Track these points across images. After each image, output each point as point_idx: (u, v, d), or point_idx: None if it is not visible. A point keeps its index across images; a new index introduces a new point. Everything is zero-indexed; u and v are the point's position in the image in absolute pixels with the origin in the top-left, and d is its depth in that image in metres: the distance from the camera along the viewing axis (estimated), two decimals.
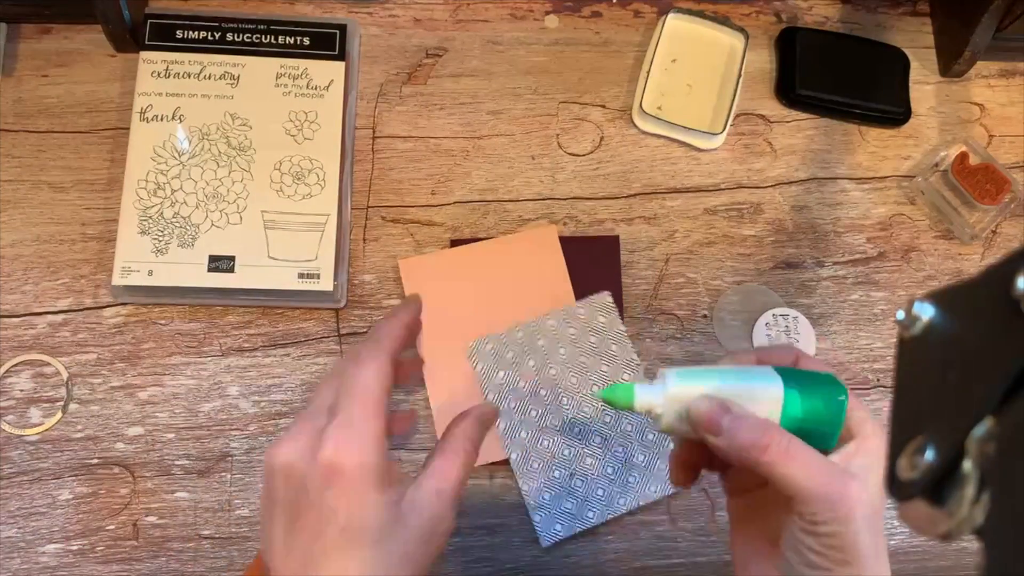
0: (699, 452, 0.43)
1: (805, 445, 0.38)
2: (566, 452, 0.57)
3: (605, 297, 0.60)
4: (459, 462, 0.41)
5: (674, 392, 0.39)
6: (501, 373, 0.58)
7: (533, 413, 0.57)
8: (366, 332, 0.59)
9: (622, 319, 0.60)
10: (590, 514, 0.56)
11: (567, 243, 0.61)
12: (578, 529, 0.55)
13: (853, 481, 0.37)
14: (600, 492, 0.56)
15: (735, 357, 0.44)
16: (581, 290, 0.60)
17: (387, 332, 0.42)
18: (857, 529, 0.37)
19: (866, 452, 0.39)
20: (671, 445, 0.55)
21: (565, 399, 0.57)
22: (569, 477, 0.56)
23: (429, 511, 0.38)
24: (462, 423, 0.43)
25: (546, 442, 0.57)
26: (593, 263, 0.61)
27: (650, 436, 0.57)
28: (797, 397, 0.39)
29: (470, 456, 0.41)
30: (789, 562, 0.39)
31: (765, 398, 0.39)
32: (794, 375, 0.40)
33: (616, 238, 0.62)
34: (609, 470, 0.57)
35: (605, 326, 0.59)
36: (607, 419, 0.57)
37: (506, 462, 0.57)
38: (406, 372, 0.46)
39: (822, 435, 0.39)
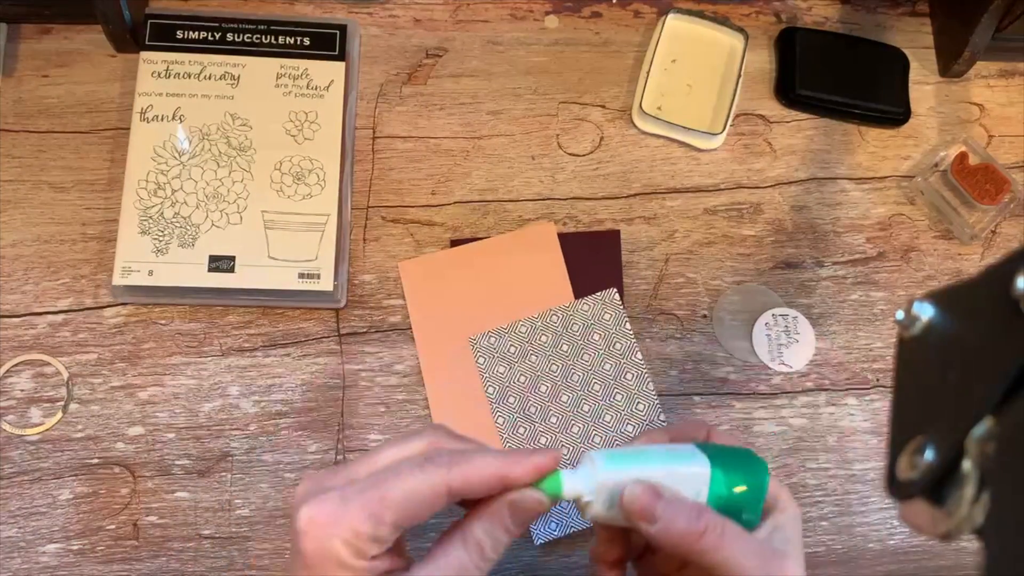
0: (622, 543, 0.41)
1: (737, 527, 0.38)
2: (564, 451, 0.57)
3: (612, 294, 0.60)
4: (463, 558, 0.36)
5: (603, 478, 0.37)
6: (502, 368, 0.58)
7: (532, 409, 0.58)
8: (366, 332, 0.59)
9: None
10: None
11: (568, 239, 0.61)
12: (573, 529, 0.55)
13: (787, 560, 0.37)
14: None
15: (650, 436, 0.43)
16: (582, 286, 0.60)
17: (481, 465, 0.36)
18: None
19: (785, 525, 0.39)
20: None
21: (565, 396, 0.58)
22: None
23: None
24: (484, 511, 0.37)
25: (544, 439, 0.57)
26: (594, 259, 0.61)
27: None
28: (722, 475, 0.38)
29: (482, 552, 0.36)
30: None
31: (692, 478, 0.38)
32: (716, 452, 0.40)
33: (617, 233, 0.62)
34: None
35: (610, 323, 0.59)
36: (607, 419, 0.58)
37: None
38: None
39: (748, 511, 0.39)
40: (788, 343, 0.61)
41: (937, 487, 0.26)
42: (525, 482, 0.36)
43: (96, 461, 0.56)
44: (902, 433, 0.28)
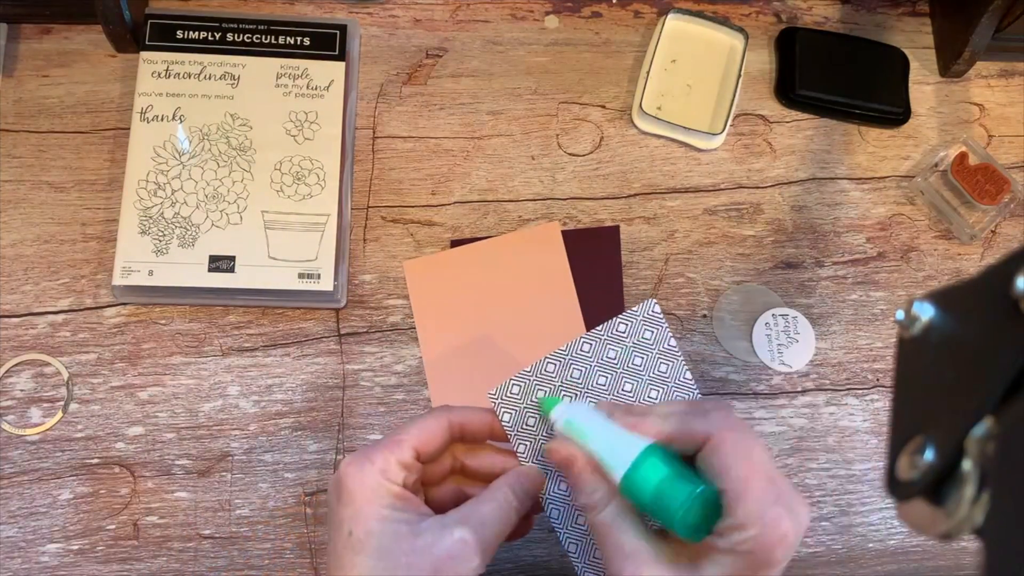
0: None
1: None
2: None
3: (651, 306, 0.50)
4: (496, 511, 0.42)
5: (560, 430, 0.44)
6: (532, 419, 0.49)
7: None
8: (366, 332, 0.59)
9: (672, 332, 0.50)
10: None
11: (568, 236, 0.61)
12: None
13: None
14: None
15: (651, 411, 0.43)
16: (583, 282, 0.60)
17: (472, 414, 0.46)
18: None
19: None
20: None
21: None
22: None
23: (443, 547, 0.39)
24: (511, 476, 0.45)
25: None
26: (593, 255, 0.61)
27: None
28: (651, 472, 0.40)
29: (510, 508, 0.43)
30: None
31: (617, 467, 0.41)
32: (673, 461, 0.41)
33: (616, 228, 0.62)
34: None
35: (651, 342, 0.50)
36: None
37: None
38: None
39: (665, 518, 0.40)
40: (788, 343, 0.61)
41: (937, 487, 0.26)
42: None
43: (96, 461, 0.56)
44: (902, 433, 0.28)
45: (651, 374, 0.50)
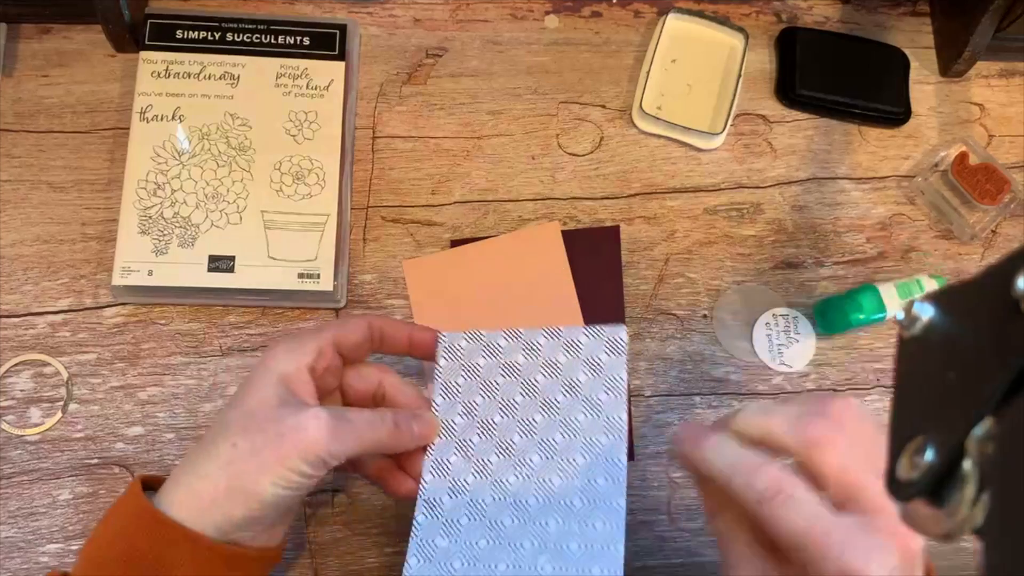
0: None
1: None
2: (487, 500, 0.46)
3: (619, 332, 0.48)
4: (368, 418, 0.45)
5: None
6: (462, 379, 0.49)
7: (475, 439, 0.48)
8: None
9: (628, 361, 0.48)
10: None
11: (568, 236, 0.61)
12: None
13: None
14: (502, 567, 0.43)
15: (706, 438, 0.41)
16: (582, 283, 0.60)
17: (392, 322, 0.50)
18: None
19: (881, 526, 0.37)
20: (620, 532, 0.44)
21: (518, 437, 0.47)
22: (478, 535, 0.45)
23: (295, 419, 0.43)
24: (406, 410, 0.48)
25: (472, 478, 0.47)
26: (593, 255, 0.61)
27: (597, 525, 0.43)
28: None
29: (383, 424, 0.45)
30: None
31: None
32: None
33: (616, 228, 0.62)
34: (526, 544, 0.44)
35: (604, 366, 0.47)
36: (554, 481, 0.45)
37: None
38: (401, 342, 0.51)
39: None
40: (788, 343, 0.61)
41: (937, 487, 0.26)
42: (427, 344, 0.50)
43: (95, 461, 0.56)
44: (902, 433, 0.28)
45: (587, 396, 0.47)
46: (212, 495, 0.42)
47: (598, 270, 0.61)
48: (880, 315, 0.58)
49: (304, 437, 0.42)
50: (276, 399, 0.44)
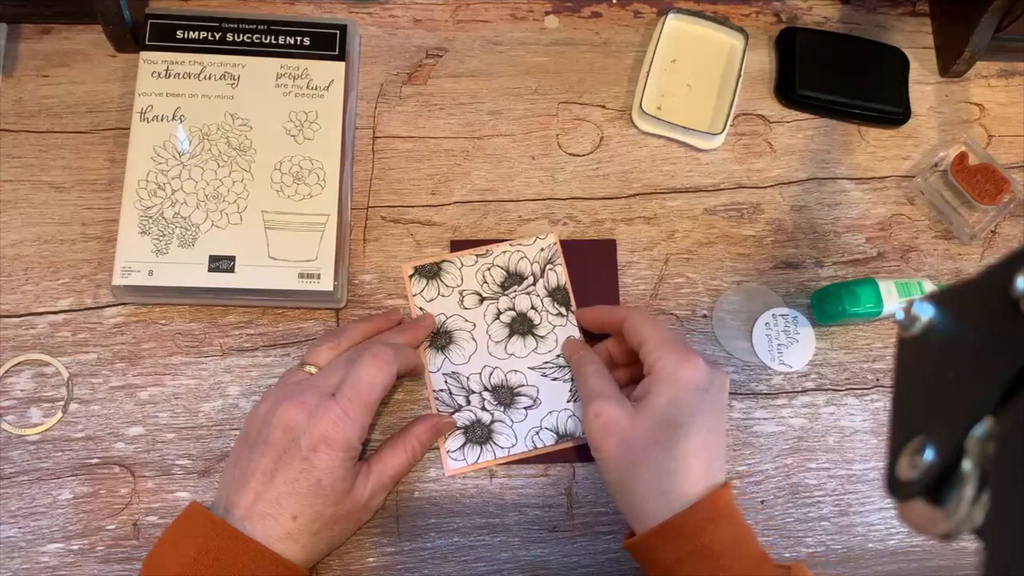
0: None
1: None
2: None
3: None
4: (404, 458, 0.54)
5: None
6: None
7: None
8: None
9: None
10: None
11: (565, 247, 0.61)
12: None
13: (678, 430, 0.50)
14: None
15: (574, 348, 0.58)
16: (580, 293, 0.60)
17: (402, 348, 0.54)
18: None
19: (682, 399, 0.50)
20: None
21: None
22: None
23: (370, 489, 0.51)
24: (418, 426, 0.55)
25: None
26: (591, 267, 0.61)
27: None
28: None
29: (415, 455, 0.54)
30: None
31: None
32: None
33: (613, 242, 0.62)
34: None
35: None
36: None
37: (504, 462, 0.57)
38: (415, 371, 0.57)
39: None
40: (788, 343, 0.61)
41: (937, 487, 0.26)
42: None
43: (96, 461, 0.56)
44: (902, 433, 0.28)
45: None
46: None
47: (595, 281, 0.61)
48: (877, 310, 0.57)
49: (377, 505, 0.54)
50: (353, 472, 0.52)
